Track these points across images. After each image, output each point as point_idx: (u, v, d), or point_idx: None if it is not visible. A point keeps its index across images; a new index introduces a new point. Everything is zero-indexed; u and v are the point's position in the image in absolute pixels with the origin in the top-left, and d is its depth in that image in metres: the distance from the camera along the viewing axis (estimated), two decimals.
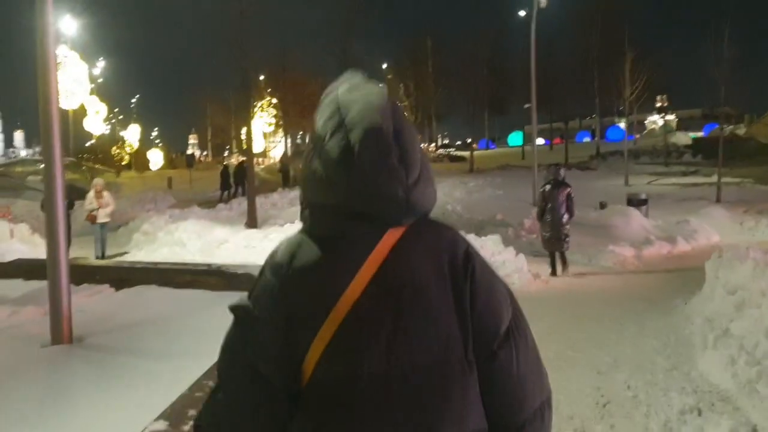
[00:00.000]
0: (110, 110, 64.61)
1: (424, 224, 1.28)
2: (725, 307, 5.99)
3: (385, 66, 45.41)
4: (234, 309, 1.29)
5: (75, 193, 16.35)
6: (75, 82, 29.23)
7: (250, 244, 12.46)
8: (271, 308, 1.23)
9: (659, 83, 28.35)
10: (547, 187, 9.98)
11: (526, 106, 24.29)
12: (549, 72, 29.66)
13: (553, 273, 9.85)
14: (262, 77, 44.38)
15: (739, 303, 5.86)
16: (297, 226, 1.33)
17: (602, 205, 19.15)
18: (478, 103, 47.65)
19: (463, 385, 1.21)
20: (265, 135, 55.28)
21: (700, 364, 5.06)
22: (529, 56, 20.58)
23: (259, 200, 24.71)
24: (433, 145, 61.27)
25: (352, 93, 1.29)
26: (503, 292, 1.32)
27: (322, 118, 1.28)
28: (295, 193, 27.05)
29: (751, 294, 5.69)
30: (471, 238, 6.56)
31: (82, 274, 6.50)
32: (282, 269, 1.25)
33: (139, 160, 52.81)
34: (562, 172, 10.12)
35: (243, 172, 31.52)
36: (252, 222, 17.47)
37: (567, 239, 9.86)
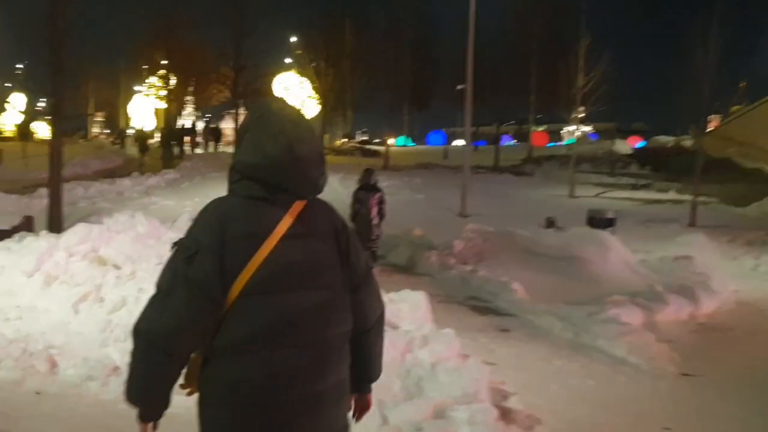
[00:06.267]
0: None
1: (318, 201, 1.99)
2: None
3: (294, 39, 39.41)
4: (180, 242, 1.86)
5: None
6: None
7: None
8: (213, 239, 1.80)
9: (616, 81, 23.98)
10: (361, 191, 10.27)
11: (459, 87, 19.20)
12: (480, 67, 24.15)
13: None
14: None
15: None
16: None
17: (550, 223, 14.58)
18: (399, 95, 42.48)
19: (343, 302, 1.95)
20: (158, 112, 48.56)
21: None
22: (458, 46, 15.72)
23: (101, 187, 18.54)
24: (345, 138, 55.37)
25: (285, 109, 1.95)
26: (364, 255, 2.08)
27: (262, 123, 1.89)
28: (156, 179, 20.94)
29: None
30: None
31: None
32: (221, 213, 1.85)
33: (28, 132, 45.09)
34: (374, 177, 10.43)
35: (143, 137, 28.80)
36: (54, 224, 11.37)
37: (377, 240, 10.33)
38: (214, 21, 30.78)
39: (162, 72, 36.07)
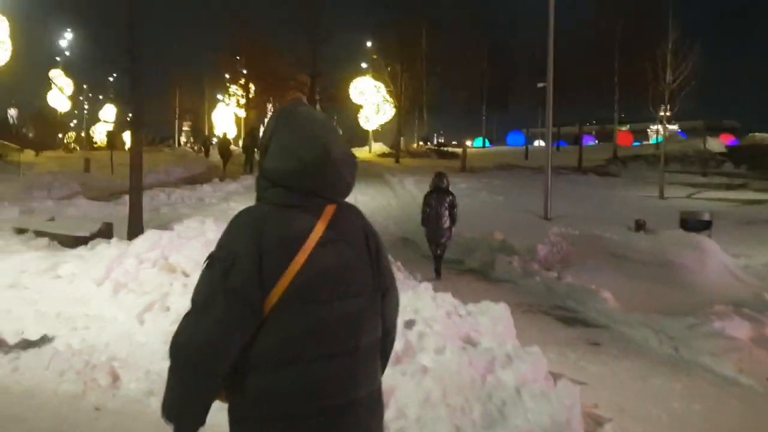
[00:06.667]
0: (79, 87, 59.55)
1: (346, 204, 1.94)
2: None
3: (369, 44, 39.30)
4: (213, 255, 1.77)
5: None
6: None
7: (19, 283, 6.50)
8: (249, 248, 1.73)
9: (707, 76, 22.65)
10: (432, 194, 10.21)
11: (540, 85, 18.44)
12: (561, 65, 22.75)
13: (437, 277, 9.81)
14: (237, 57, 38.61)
15: None
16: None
17: (639, 225, 13.79)
18: (476, 96, 41.77)
19: (375, 309, 1.92)
20: (238, 120, 49.76)
21: None
22: (537, 44, 14.97)
23: (182, 193, 18.87)
24: (422, 141, 54.89)
25: (312, 112, 1.92)
26: (390, 261, 2.11)
27: (291, 128, 1.85)
28: (236, 185, 21.24)
29: None
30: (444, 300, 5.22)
31: None
32: (255, 222, 1.78)
33: (118, 141, 47.67)
34: (445, 180, 10.31)
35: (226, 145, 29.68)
36: (134, 230, 11.49)
37: (445, 244, 10.17)
38: (291, 29, 31.07)
39: (242, 81, 36.81)
